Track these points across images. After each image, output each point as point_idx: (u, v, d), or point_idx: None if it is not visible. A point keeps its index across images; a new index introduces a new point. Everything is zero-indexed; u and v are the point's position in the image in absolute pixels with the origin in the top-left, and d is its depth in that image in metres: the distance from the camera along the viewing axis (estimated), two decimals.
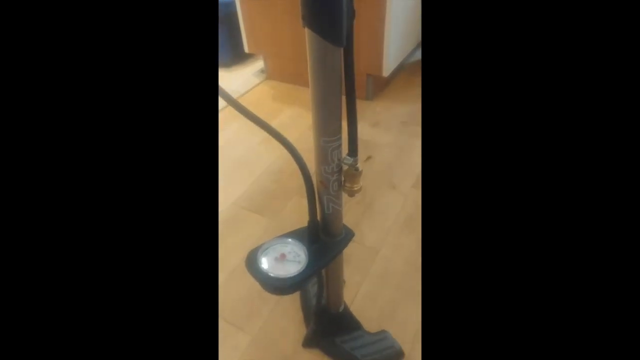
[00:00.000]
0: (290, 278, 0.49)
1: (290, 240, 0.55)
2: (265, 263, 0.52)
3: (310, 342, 0.75)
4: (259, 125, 0.44)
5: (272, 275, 0.50)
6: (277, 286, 0.49)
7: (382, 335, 0.76)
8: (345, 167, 0.49)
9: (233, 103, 0.40)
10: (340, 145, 0.47)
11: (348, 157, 0.49)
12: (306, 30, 0.39)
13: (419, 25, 1.61)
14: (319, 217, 0.55)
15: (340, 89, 0.42)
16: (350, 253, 0.94)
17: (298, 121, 1.46)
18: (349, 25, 0.39)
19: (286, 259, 0.52)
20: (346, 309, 0.76)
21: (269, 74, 1.75)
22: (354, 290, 0.86)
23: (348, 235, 0.58)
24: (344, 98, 0.45)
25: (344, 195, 0.53)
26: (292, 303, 0.84)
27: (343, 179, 0.50)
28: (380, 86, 1.62)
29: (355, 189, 0.50)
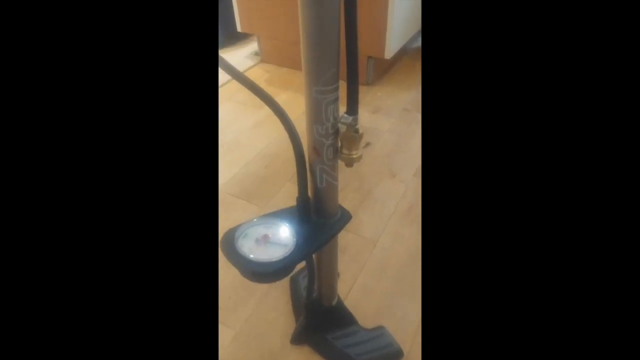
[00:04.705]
0: (273, 263, 0.41)
1: (275, 219, 0.47)
2: (244, 245, 0.44)
3: (299, 338, 0.67)
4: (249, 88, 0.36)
5: (252, 259, 0.42)
6: (257, 272, 0.41)
7: (379, 331, 0.68)
8: (342, 129, 0.41)
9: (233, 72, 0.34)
10: (337, 100, 0.39)
11: (346, 115, 0.40)
12: None
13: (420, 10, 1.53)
14: (310, 193, 0.46)
15: (339, 17, 0.34)
16: (346, 243, 0.86)
17: (293, 105, 1.38)
18: None
19: (269, 241, 0.44)
20: (340, 302, 0.68)
21: (263, 56, 1.67)
22: (349, 282, 0.78)
23: (344, 216, 0.50)
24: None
25: (340, 174, 0.45)
26: (281, 293, 0.76)
27: (340, 144, 0.42)
28: (381, 71, 1.54)
29: (354, 156, 0.42)
